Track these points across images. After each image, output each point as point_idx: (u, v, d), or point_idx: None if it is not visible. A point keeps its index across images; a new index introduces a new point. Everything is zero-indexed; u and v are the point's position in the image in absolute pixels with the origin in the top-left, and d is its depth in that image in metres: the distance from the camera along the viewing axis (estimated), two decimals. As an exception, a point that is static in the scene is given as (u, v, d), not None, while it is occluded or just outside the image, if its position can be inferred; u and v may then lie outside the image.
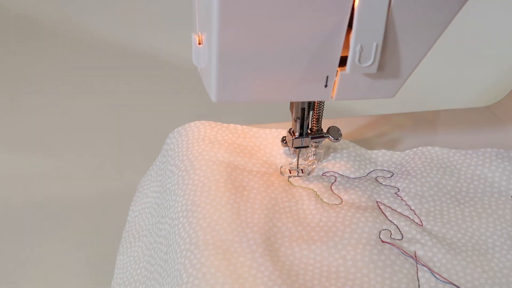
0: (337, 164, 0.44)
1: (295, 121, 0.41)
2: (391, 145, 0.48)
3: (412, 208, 0.41)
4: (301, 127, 0.41)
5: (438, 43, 0.33)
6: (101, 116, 0.75)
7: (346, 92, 0.35)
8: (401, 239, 0.38)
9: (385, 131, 0.50)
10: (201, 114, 0.69)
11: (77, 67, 0.85)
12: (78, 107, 0.77)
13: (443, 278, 0.36)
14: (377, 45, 0.31)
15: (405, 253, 0.37)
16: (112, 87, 0.81)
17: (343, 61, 0.33)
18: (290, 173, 0.43)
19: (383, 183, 0.43)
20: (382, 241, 0.38)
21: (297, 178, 0.43)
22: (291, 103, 0.40)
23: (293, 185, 0.42)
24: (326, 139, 0.43)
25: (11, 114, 0.76)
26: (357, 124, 0.50)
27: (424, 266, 0.37)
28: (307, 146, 0.42)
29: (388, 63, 0.33)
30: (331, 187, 0.42)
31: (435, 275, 0.36)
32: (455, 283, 0.36)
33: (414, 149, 0.46)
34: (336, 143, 0.45)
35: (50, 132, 0.72)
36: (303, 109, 0.40)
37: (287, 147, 0.44)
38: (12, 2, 0.99)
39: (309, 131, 0.42)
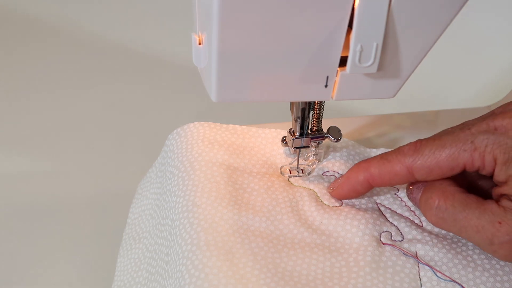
0: (337, 163, 0.44)
1: (295, 121, 0.41)
2: (391, 145, 0.48)
3: (411, 209, 0.41)
4: (301, 127, 0.41)
5: (438, 43, 0.33)
6: (100, 117, 0.75)
7: (346, 92, 0.35)
8: (402, 240, 0.38)
9: (385, 131, 0.50)
10: (201, 114, 0.69)
11: (77, 67, 0.85)
12: (78, 107, 0.77)
13: (445, 276, 0.36)
14: (377, 45, 0.31)
15: (406, 254, 0.37)
16: (112, 87, 0.81)
17: (343, 61, 0.33)
18: (290, 173, 0.43)
19: (383, 183, 0.43)
20: (383, 243, 0.38)
21: (297, 178, 0.43)
22: (291, 103, 0.40)
23: (293, 185, 0.42)
24: (326, 139, 0.43)
25: (11, 114, 0.76)
26: (357, 124, 0.50)
27: (426, 265, 0.37)
28: (307, 146, 0.42)
29: (389, 63, 0.33)
30: (331, 187, 0.42)
31: (437, 273, 0.36)
32: (457, 281, 0.36)
33: (414, 149, 0.46)
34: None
35: (50, 132, 0.72)
36: (303, 109, 0.40)
37: (287, 147, 0.44)
38: (12, 2, 0.99)
39: (309, 131, 0.42)
